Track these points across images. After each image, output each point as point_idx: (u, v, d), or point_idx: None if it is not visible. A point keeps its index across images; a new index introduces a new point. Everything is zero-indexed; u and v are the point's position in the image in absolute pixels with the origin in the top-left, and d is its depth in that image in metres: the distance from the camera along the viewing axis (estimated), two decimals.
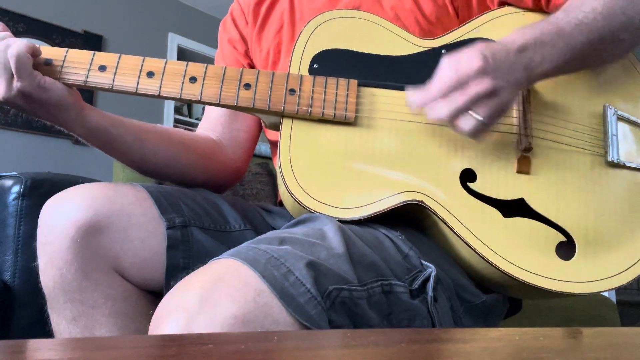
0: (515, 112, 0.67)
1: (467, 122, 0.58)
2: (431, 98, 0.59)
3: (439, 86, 0.59)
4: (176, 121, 4.07)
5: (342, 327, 0.48)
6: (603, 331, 0.45)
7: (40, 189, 0.96)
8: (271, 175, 1.43)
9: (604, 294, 2.23)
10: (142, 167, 0.77)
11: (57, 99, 0.65)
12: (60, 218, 0.62)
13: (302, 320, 0.43)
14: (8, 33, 0.66)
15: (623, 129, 0.69)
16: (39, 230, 0.63)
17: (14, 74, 0.62)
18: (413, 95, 0.61)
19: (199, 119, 4.51)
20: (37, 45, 0.65)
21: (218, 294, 0.42)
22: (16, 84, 0.62)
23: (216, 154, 0.83)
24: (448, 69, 0.59)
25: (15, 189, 0.95)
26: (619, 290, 3.71)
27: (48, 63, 0.66)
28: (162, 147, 0.75)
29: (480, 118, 0.58)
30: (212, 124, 0.87)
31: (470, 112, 0.58)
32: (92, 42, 3.46)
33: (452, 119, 0.59)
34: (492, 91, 0.57)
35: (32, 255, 0.69)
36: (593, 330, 0.43)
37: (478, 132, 0.59)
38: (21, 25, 3.21)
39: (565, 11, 0.65)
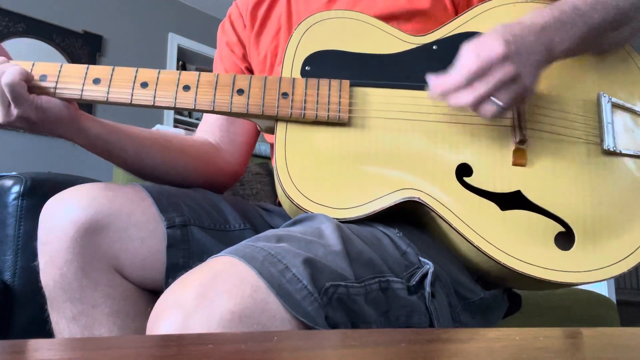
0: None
1: (489, 108, 0.59)
2: (454, 86, 0.59)
3: (462, 74, 0.59)
4: (176, 121, 4.07)
5: (339, 324, 0.48)
6: (603, 331, 0.45)
7: (40, 189, 0.96)
8: (271, 176, 1.43)
9: (604, 293, 2.23)
10: (140, 172, 0.77)
11: (55, 116, 0.66)
12: (61, 218, 0.62)
13: (298, 316, 0.43)
14: (3, 58, 0.66)
15: (618, 116, 0.68)
16: (39, 230, 0.63)
17: (11, 101, 0.63)
18: (435, 83, 0.61)
19: (199, 119, 4.50)
20: (29, 71, 0.66)
21: (215, 290, 0.42)
22: (14, 110, 0.64)
23: (214, 158, 0.83)
24: (470, 55, 0.59)
25: (15, 189, 0.95)
26: (619, 290, 3.72)
27: (43, 79, 0.66)
28: (159, 152, 0.76)
29: (501, 104, 0.58)
30: (210, 127, 0.87)
31: (492, 98, 0.58)
32: (92, 42, 3.46)
33: (474, 107, 0.60)
34: (514, 77, 0.58)
35: (32, 255, 0.69)
36: (593, 330, 0.43)
37: (497, 116, 0.60)
38: (21, 25, 3.21)
39: None
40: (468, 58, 0.59)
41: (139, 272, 0.65)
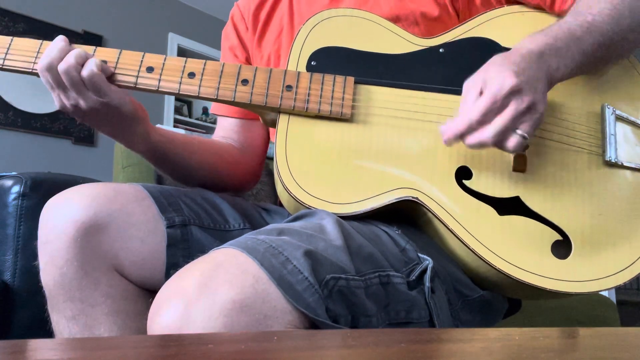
0: None
1: (513, 141, 0.57)
2: (469, 125, 0.58)
3: (476, 111, 0.57)
4: (176, 121, 4.07)
5: (339, 316, 0.48)
6: (603, 331, 0.45)
7: (40, 189, 0.96)
8: (271, 176, 1.43)
9: (604, 293, 2.22)
10: (185, 179, 0.79)
11: (131, 111, 0.67)
12: (61, 218, 0.62)
13: (299, 307, 0.43)
14: (66, 44, 0.67)
15: (621, 129, 0.68)
16: (40, 230, 0.63)
17: (93, 93, 0.64)
18: (447, 128, 0.59)
19: (198, 119, 4.50)
20: (104, 62, 0.66)
21: (217, 280, 0.43)
22: (98, 99, 0.64)
23: (241, 162, 0.86)
24: (476, 92, 0.58)
25: (15, 189, 0.95)
26: (619, 290, 3.72)
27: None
28: (205, 158, 0.79)
29: (525, 134, 0.57)
30: (228, 133, 0.89)
31: (517, 130, 0.57)
32: (92, 42, 3.46)
33: (496, 142, 0.58)
34: (530, 106, 0.57)
35: (32, 255, 0.69)
36: (593, 330, 0.43)
37: (521, 148, 0.59)
38: (21, 25, 3.21)
39: (574, 14, 0.65)
40: (473, 95, 0.58)
41: (139, 272, 0.65)
